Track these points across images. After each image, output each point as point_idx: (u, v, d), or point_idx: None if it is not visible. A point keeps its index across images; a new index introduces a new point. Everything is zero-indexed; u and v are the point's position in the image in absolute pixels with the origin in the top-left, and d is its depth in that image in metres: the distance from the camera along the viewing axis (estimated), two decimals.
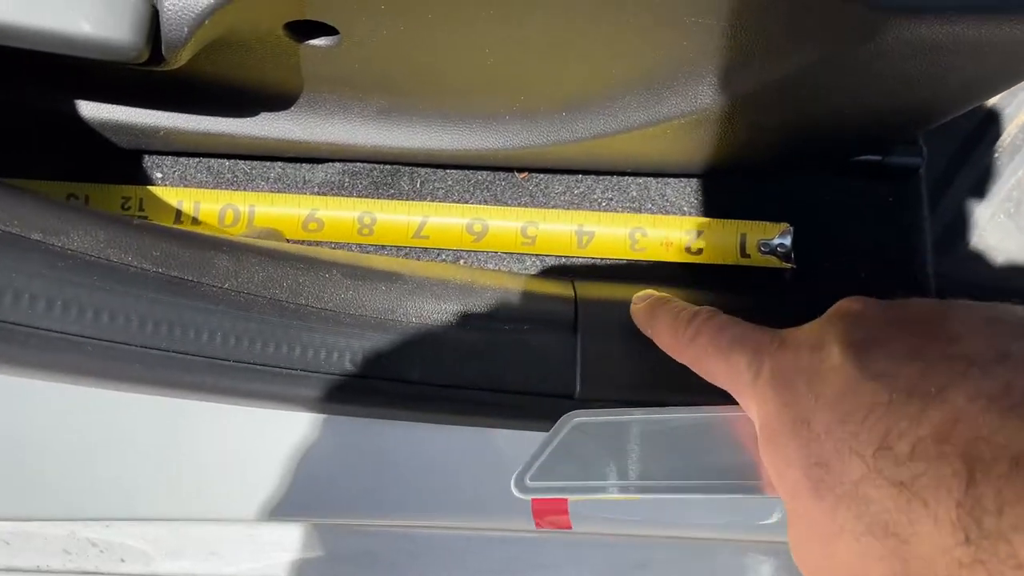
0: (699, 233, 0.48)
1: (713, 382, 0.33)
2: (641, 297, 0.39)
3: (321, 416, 0.40)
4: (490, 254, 0.49)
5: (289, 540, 0.48)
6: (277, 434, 0.39)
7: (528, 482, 0.33)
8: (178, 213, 0.48)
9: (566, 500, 0.33)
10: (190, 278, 0.35)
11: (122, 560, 0.46)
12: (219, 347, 0.35)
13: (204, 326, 0.34)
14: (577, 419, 0.34)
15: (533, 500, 0.33)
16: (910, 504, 0.23)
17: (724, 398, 0.32)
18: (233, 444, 0.39)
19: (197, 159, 0.50)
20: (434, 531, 0.48)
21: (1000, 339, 0.24)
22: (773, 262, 0.47)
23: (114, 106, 0.45)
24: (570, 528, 0.34)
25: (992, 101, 0.60)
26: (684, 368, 0.34)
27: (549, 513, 0.34)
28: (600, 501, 0.33)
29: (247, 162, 0.50)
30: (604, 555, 0.50)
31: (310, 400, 0.38)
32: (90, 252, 0.33)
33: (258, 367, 0.36)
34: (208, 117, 0.45)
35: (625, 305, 0.43)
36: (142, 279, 0.33)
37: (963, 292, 0.56)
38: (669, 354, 0.35)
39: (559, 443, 0.34)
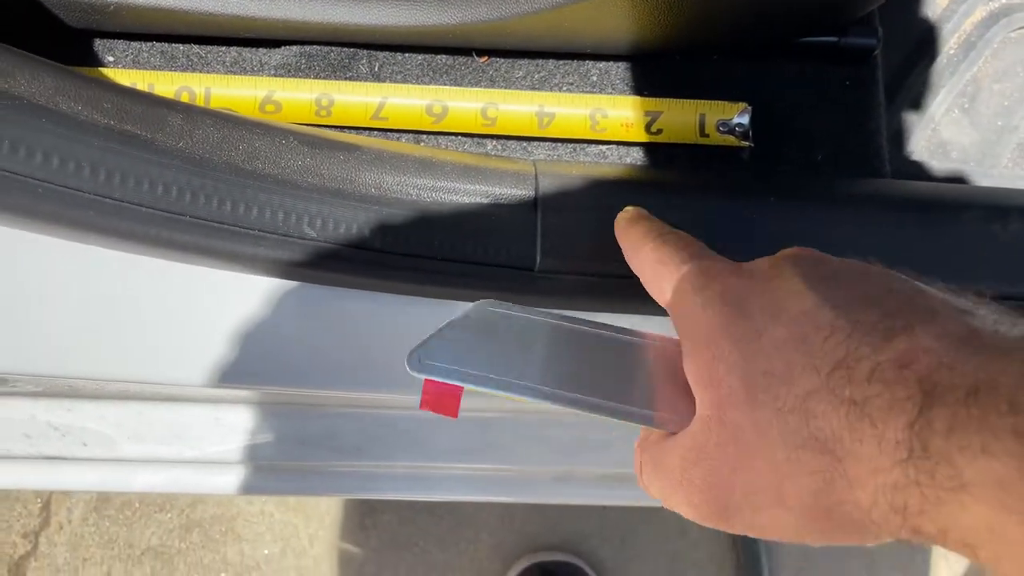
0: (659, 114, 0.48)
1: (654, 296, 0.32)
2: (624, 212, 0.39)
3: (280, 282, 0.39)
4: (451, 137, 0.49)
5: (254, 423, 0.48)
6: (234, 298, 0.39)
7: (425, 360, 0.30)
8: None
9: (461, 388, 0.30)
10: (142, 133, 0.34)
11: (84, 444, 0.46)
12: (175, 201, 0.34)
13: (159, 179, 0.34)
14: (490, 307, 0.33)
15: (425, 380, 0.30)
16: (859, 422, 0.23)
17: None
18: (188, 306, 0.39)
19: (150, 43, 0.49)
20: (396, 413, 0.49)
21: (963, 300, 0.25)
22: (731, 141, 0.48)
23: None
24: (455, 417, 0.31)
25: None
26: None
27: (439, 397, 0.31)
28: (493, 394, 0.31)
29: (202, 46, 0.49)
30: (558, 434, 0.50)
31: (269, 262, 0.37)
32: (37, 98, 0.32)
33: (216, 224, 0.35)
34: None
35: (585, 181, 0.43)
36: (93, 128, 0.33)
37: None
38: (629, 265, 0.35)
39: (465, 326, 0.32)
